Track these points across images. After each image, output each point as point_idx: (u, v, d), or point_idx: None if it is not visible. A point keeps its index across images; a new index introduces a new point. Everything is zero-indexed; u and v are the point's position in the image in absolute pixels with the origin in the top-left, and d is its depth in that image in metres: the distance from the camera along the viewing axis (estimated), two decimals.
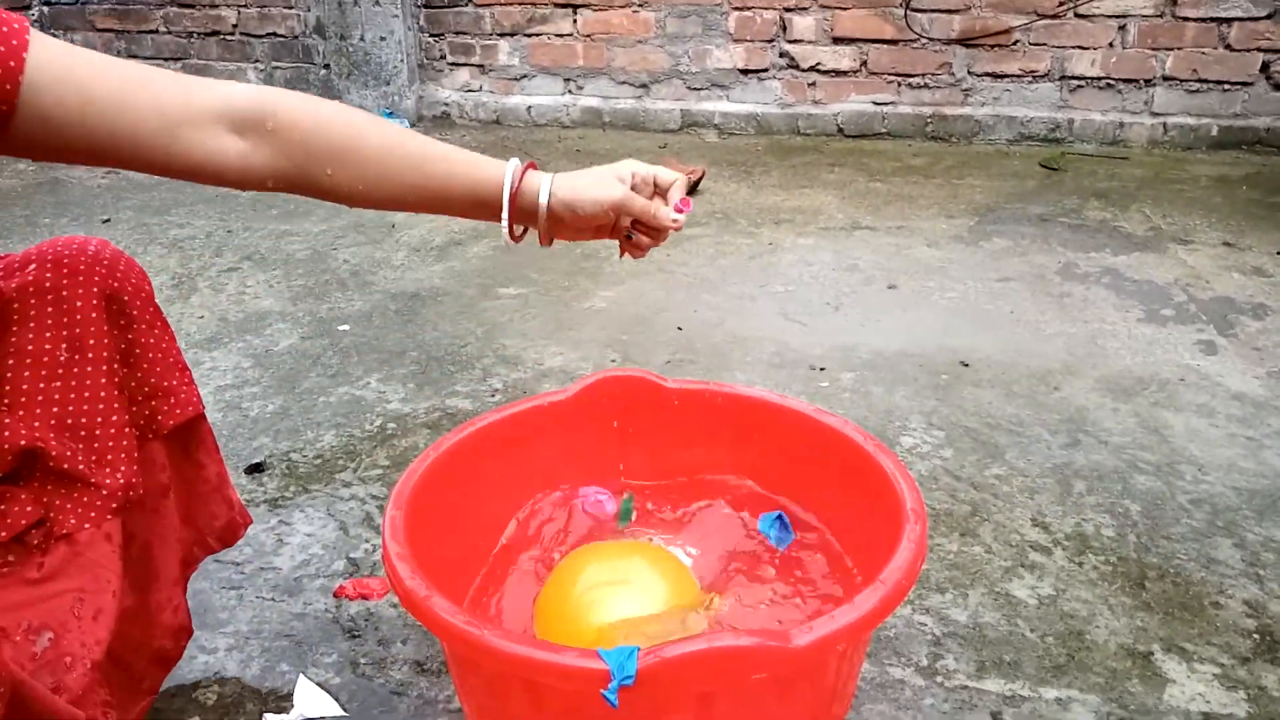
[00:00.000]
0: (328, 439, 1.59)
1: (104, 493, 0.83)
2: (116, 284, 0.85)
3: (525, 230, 0.89)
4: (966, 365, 1.83)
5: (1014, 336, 1.96)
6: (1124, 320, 2.02)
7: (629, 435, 1.20)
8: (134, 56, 4.24)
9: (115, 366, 0.85)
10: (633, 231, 0.93)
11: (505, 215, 0.84)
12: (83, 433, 0.82)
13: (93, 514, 0.82)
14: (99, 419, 0.84)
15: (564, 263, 2.38)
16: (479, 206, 0.85)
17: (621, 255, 0.97)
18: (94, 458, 0.83)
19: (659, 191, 0.93)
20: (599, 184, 0.87)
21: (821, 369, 1.83)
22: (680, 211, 0.92)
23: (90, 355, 0.83)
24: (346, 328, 2.03)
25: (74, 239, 0.86)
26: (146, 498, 0.89)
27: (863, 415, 1.65)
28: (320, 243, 2.56)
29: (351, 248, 2.52)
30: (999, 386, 1.75)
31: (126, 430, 0.86)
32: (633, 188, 0.90)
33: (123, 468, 0.84)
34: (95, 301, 0.83)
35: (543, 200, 0.85)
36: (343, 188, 0.80)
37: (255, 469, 1.50)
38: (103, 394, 0.84)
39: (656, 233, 0.93)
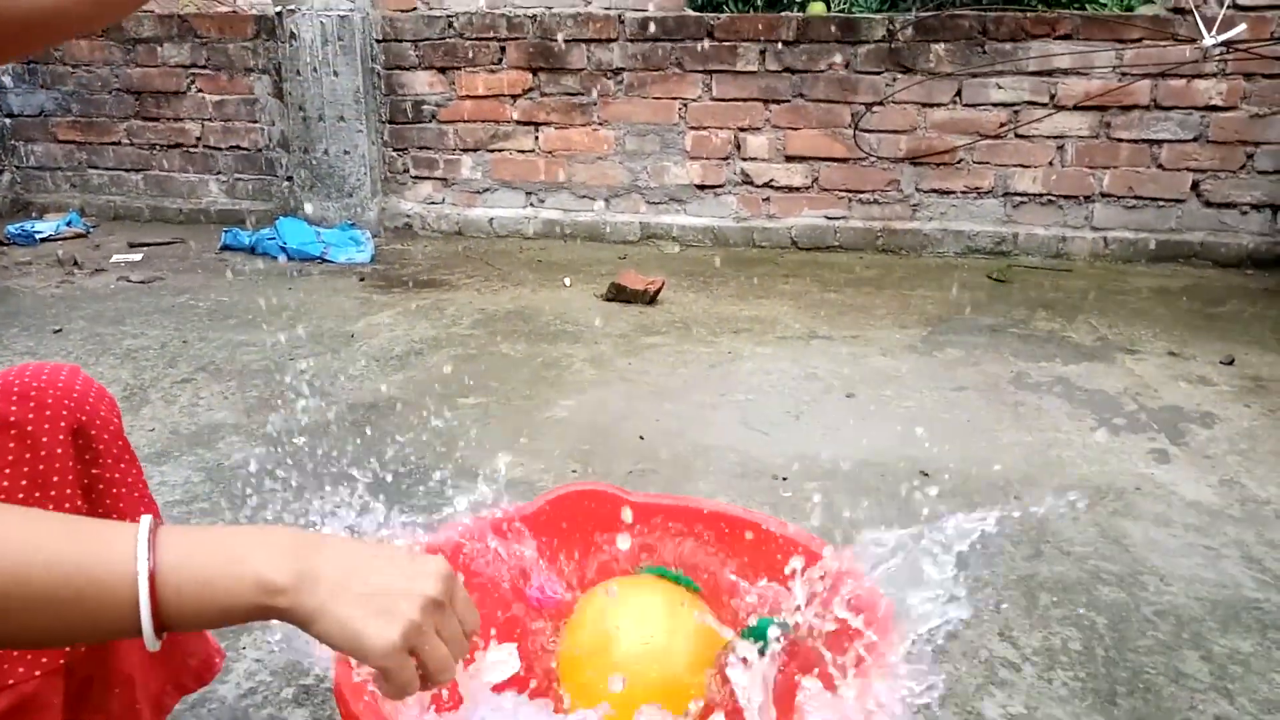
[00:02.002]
0: None
1: None
2: (85, 418, 0.82)
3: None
4: (926, 475, 1.84)
5: (971, 445, 1.98)
6: (1078, 429, 2.06)
7: (591, 555, 1.18)
8: (94, 168, 4.27)
9: (79, 504, 0.82)
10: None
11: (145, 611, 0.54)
12: None
13: (44, 659, 0.78)
14: None
15: (525, 372, 2.38)
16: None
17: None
18: None
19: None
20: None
21: (784, 479, 1.82)
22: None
23: (53, 493, 0.80)
24: (302, 440, 1.99)
25: (44, 366, 0.84)
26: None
27: (826, 526, 1.63)
28: (277, 353, 2.53)
29: (309, 358, 2.49)
30: (959, 496, 1.75)
31: None
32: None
33: None
34: (62, 437, 0.80)
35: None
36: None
37: None
38: None
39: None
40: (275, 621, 0.57)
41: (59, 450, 0.79)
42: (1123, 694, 1.22)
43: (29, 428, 0.78)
